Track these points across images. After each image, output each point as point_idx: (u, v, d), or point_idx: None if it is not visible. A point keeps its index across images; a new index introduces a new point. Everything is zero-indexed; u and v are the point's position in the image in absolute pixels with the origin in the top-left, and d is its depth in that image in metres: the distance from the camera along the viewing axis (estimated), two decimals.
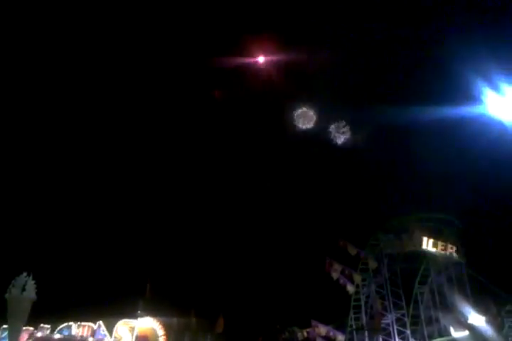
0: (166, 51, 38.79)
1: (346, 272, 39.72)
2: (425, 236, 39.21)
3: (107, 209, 41.52)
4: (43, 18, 34.60)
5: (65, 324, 30.43)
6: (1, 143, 38.63)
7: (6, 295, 26.37)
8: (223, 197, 44.74)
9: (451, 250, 39.90)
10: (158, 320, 34.47)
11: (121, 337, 31.56)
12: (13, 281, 26.95)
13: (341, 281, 39.08)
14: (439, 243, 39.68)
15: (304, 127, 38.56)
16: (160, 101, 41.85)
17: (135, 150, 43.11)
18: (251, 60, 36.62)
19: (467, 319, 35.77)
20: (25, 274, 27.36)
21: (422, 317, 38.84)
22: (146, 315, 34.16)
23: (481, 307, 35.94)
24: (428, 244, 38.74)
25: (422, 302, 39.72)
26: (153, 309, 35.37)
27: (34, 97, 39.14)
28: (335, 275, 38.94)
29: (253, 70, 37.65)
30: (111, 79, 39.71)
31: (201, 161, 44.46)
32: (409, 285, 39.69)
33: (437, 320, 38.29)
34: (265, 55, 36.78)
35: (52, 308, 30.87)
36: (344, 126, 38.09)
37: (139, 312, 33.98)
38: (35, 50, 36.43)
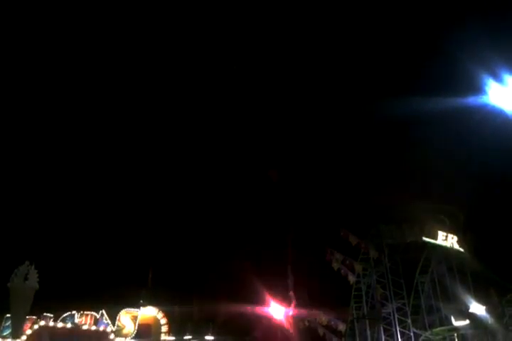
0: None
1: (347, 262, 39.90)
2: (426, 226, 39.59)
3: (109, 199, 41.60)
4: (43, 18, 34.41)
5: (67, 313, 30.61)
6: (2, 139, 38.66)
7: (9, 284, 26.53)
8: (223, 185, 44.70)
9: (452, 240, 40.06)
10: (161, 309, 34.63)
11: (124, 326, 31.73)
12: (15, 270, 27.10)
13: (342, 271, 39.30)
14: (440, 233, 39.92)
15: None
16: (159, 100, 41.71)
17: (134, 143, 43.06)
18: None
19: (468, 308, 35.90)
20: (27, 263, 27.51)
21: (423, 306, 39.07)
22: (149, 304, 34.34)
23: (481, 297, 36.04)
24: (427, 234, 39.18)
25: (422, 292, 39.91)
26: (155, 298, 35.54)
27: (34, 97, 39.00)
28: (336, 265, 39.13)
29: None
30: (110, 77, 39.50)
31: (199, 152, 44.30)
32: (410, 274, 39.89)
33: (438, 310, 38.47)
34: None
35: (55, 297, 31.01)
36: None
37: (141, 301, 34.15)
38: (36, 50, 36.24)
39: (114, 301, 32.81)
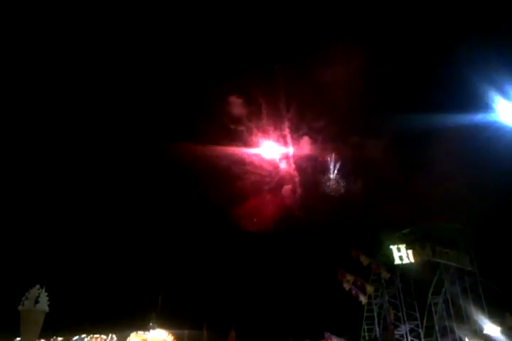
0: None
1: (358, 283, 39.49)
2: (438, 246, 39.23)
3: (120, 223, 41.45)
4: (42, 18, 34.37)
5: (77, 336, 30.43)
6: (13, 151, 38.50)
7: (19, 307, 26.33)
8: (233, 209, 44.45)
9: (465, 260, 39.61)
10: (171, 333, 34.34)
11: None
12: (26, 293, 26.93)
13: (353, 292, 38.85)
14: (452, 253, 39.53)
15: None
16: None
17: (147, 160, 42.66)
18: None
19: (482, 329, 35.33)
20: (38, 286, 27.32)
21: (437, 328, 38.38)
22: (159, 328, 34.07)
23: (496, 318, 35.50)
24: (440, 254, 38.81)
25: (436, 313, 39.30)
26: (165, 321, 35.28)
27: (33, 98, 38.54)
28: (347, 286, 38.71)
29: None
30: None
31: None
32: (423, 295, 39.38)
33: (452, 331, 37.80)
34: None
35: (65, 320, 30.84)
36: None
37: (151, 324, 33.89)
38: (35, 50, 36.06)
39: (124, 324, 32.61)
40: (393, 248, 39.64)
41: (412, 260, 38.65)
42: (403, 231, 40.48)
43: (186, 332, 36.93)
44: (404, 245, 39.54)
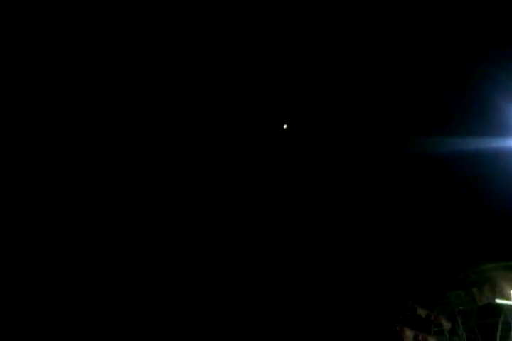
0: None
1: (420, 337, 37.39)
2: (498, 287, 37.18)
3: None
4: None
5: None
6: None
7: None
8: None
9: None
10: None
11: None
12: None
13: None
14: None
15: None
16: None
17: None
18: None
19: None
20: None
21: None
22: None
23: None
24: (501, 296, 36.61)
25: None
26: None
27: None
28: None
29: None
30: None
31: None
32: None
33: None
34: None
35: None
36: None
37: None
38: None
39: None
40: (450, 295, 37.91)
41: (472, 305, 36.74)
42: (458, 276, 38.81)
43: None
44: (461, 290, 37.71)
